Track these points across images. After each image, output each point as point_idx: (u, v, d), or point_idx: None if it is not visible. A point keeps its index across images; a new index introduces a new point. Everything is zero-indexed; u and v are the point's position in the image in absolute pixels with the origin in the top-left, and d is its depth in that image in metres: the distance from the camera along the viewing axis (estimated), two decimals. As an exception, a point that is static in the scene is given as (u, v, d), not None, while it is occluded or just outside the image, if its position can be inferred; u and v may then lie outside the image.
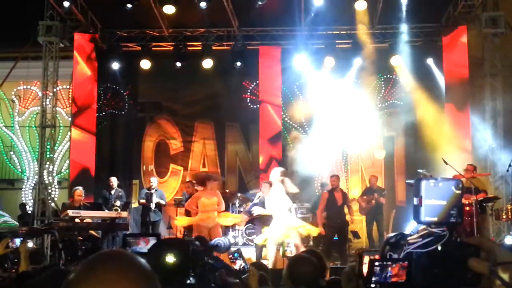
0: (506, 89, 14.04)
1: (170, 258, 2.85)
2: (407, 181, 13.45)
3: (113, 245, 11.94)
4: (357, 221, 14.83)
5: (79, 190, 12.14)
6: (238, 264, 6.32)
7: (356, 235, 13.89)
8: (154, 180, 14.00)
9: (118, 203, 12.66)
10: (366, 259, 1.92)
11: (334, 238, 11.97)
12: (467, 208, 10.89)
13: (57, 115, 15.37)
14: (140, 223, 14.02)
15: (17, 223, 12.29)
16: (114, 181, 13.75)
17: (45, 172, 14.41)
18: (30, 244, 11.18)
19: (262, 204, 11.31)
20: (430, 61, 15.32)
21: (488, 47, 14.18)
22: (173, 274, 2.83)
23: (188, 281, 2.90)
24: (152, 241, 3.47)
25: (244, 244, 13.14)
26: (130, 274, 1.35)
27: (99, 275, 1.32)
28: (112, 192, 13.55)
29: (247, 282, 4.11)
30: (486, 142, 13.96)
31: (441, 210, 1.81)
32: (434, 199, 1.81)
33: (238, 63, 15.74)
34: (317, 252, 5.28)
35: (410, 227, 13.02)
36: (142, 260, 1.41)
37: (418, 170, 11.64)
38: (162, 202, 13.79)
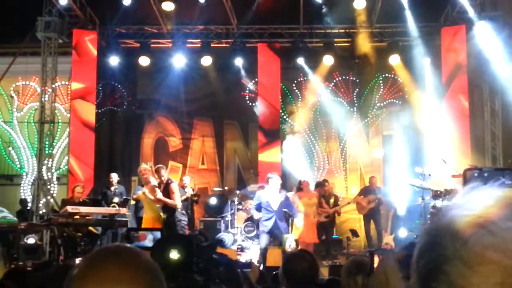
0: (504, 89, 14.06)
1: (174, 255, 2.86)
2: (407, 180, 13.41)
3: (112, 242, 11.88)
4: (355, 220, 14.85)
5: (79, 187, 12.09)
6: (244, 257, 6.32)
7: (355, 233, 13.92)
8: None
9: (116, 199, 12.60)
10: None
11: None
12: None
13: (56, 111, 15.34)
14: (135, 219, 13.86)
15: (16, 219, 12.26)
16: (114, 177, 13.57)
17: (44, 168, 14.38)
18: (32, 239, 11.27)
19: (259, 204, 11.17)
20: (427, 61, 15.33)
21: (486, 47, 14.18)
22: (177, 270, 2.84)
23: (193, 277, 2.91)
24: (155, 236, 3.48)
25: (242, 241, 13.09)
26: (134, 269, 1.33)
27: (103, 270, 1.31)
28: (112, 188, 13.44)
29: (249, 276, 4.13)
30: (485, 142, 13.99)
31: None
32: None
33: (237, 61, 15.76)
34: (309, 252, 5.29)
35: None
36: (146, 255, 1.40)
37: (416, 168, 11.68)
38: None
